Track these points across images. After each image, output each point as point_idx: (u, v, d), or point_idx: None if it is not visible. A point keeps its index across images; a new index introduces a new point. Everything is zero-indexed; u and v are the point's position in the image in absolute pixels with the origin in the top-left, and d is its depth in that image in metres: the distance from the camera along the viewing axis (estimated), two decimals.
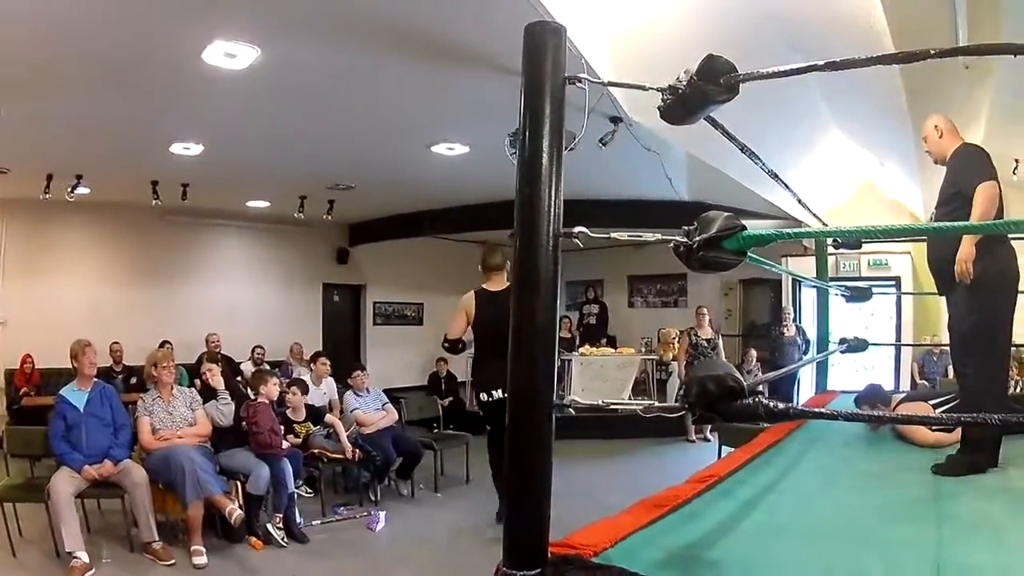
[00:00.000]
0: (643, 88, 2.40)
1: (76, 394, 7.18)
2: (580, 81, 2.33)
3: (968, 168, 4.37)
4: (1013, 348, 4.81)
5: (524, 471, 2.24)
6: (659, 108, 2.38)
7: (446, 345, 7.95)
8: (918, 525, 3.10)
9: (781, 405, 2.05)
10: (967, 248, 4.12)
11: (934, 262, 4.60)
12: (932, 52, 2.14)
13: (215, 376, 8.02)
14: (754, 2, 6.73)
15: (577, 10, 5.89)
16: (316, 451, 8.59)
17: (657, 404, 2.23)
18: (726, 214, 2.12)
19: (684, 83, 2.28)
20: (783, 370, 8.81)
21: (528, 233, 2.21)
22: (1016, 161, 11.99)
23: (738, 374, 2.08)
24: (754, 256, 2.66)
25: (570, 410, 2.25)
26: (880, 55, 2.31)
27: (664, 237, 2.20)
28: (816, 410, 2.17)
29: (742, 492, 3.61)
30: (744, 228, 2.11)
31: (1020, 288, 4.42)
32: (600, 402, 2.24)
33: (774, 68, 2.34)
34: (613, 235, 2.24)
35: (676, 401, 2.10)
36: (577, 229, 2.21)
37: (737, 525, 3.06)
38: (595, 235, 2.22)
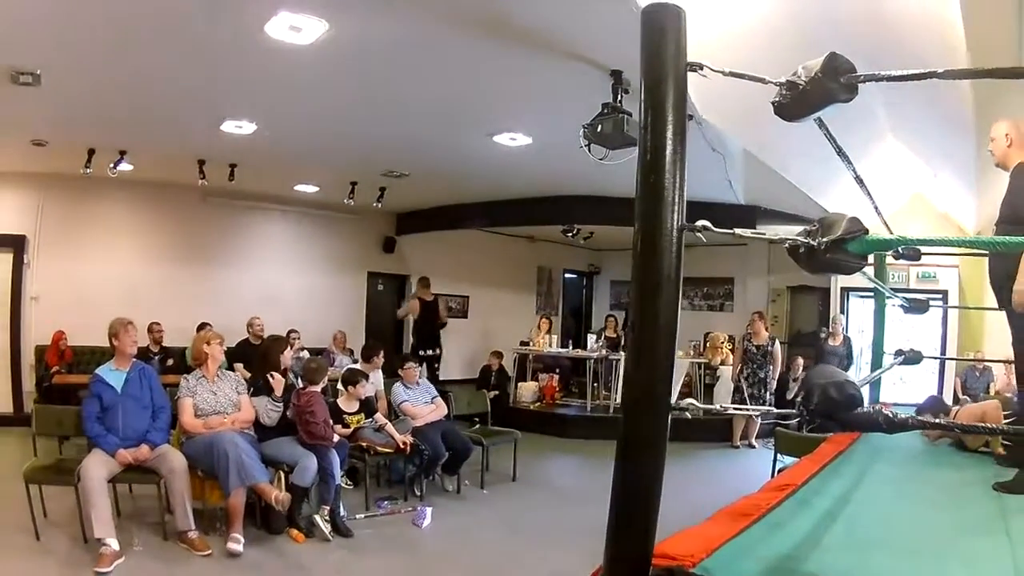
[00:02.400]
0: (762, 81, 2.32)
1: (114, 374, 7.08)
2: (702, 68, 2.25)
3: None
4: None
5: (635, 475, 2.16)
6: (774, 103, 2.30)
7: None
8: (993, 539, 3.11)
9: (902, 415, 2.00)
10: (1021, 287, 4.05)
11: (996, 277, 4.54)
12: None
13: (278, 383, 7.88)
14: (824, 10, 6.65)
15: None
16: (364, 443, 8.47)
17: (775, 410, 2.17)
18: (849, 216, 2.05)
19: (804, 79, 2.20)
20: (866, 378, 8.68)
21: (651, 227, 2.11)
22: None
23: (856, 382, 2.02)
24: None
25: (687, 413, 2.19)
26: (986, 69, 2.26)
27: (785, 237, 2.12)
28: (933, 420, 2.10)
29: (820, 503, 3.57)
30: (867, 231, 2.04)
31: None
32: (720, 406, 2.18)
33: (893, 72, 2.27)
34: (737, 233, 2.17)
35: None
36: (700, 223, 2.14)
37: (823, 537, 3.01)
38: (720, 232, 2.15)
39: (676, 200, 2.12)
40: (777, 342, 13.20)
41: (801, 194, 10.82)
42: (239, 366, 10.92)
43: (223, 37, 6.81)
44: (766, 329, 13.19)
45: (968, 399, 12.45)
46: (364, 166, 12.65)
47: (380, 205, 14.96)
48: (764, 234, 2.19)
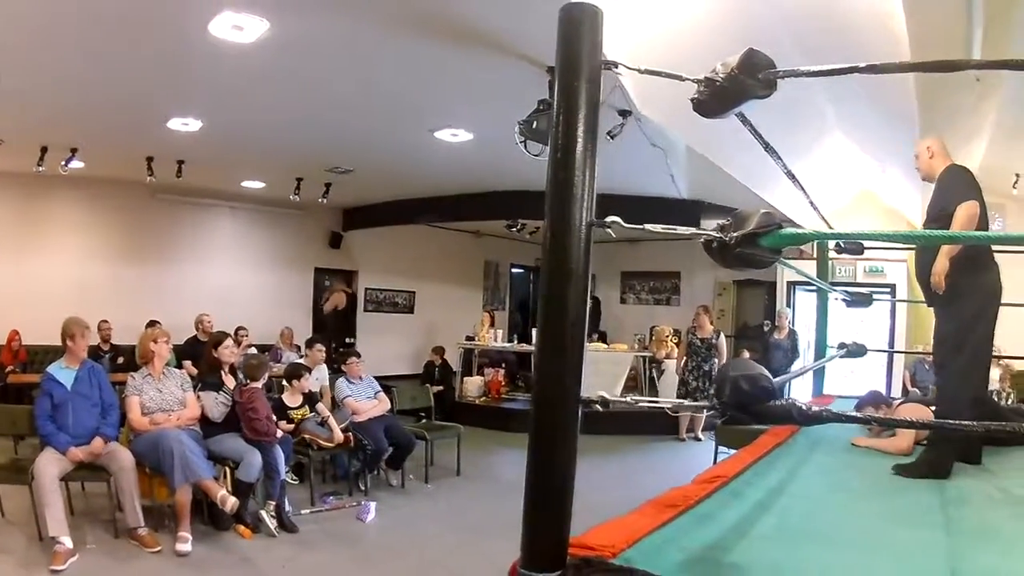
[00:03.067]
0: (680, 78, 2.34)
1: (64, 372, 7.04)
2: (616, 66, 2.27)
3: (953, 188, 4.56)
4: (1007, 360, 4.93)
5: (547, 468, 2.17)
6: (693, 100, 2.32)
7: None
8: (927, 531, 3.12)
9: (815, 408, 2.02)
10: (942, 262, 4.39)
11: (921, 274, 4.74)
12: (971, 63, 2.10)
13: (228, 379, 7.95)
14: (767, 4, 6.70)
15: None
16: (307, 436, 8.50)
17: (687, 403, 2.18)
18: (763, 211, 2.07)
19: (722, 75, 2.22)
20: (794, 372, 8.76)
21: (560, 222, 2.14)
22: (1016, 176, 12.06)
23: (769, 375, 2.03)
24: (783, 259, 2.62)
25: (597, 406, 2.20)
26: (919, 62, 2.28)
27: (698, 232, 2.14)
28: (848, 414, 2.13)
29: (751, 494, 3.59)
30: (781, 226, 2.06)
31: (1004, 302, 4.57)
32: (629, 399, 2.18)
33: (814, 67, 2.29)
34: (648, 228, 2.19)
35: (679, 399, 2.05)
36: (610, 219, 2.15)
37: (751, 528, 3.03)
38: (629, 227, 2.16)
39: (585, 196, 2.14)
40: (722, 335, 13.24)
41: (746, 189, 10.88)
42: (188, 363, 10.89)
43: (168, 36, 6.85)
44: (711, 323, 13.23)
45: (917, 391, 12.60)
46: (309, 162, 12.70)
47: (325, 201, 15.00)
48: (676, 229, 2.20)
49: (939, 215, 4.53)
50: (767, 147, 3.43)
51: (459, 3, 6.23)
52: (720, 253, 2.08)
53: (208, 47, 6.96)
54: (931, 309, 4.84)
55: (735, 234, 2.04)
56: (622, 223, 2.14)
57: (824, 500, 3.77)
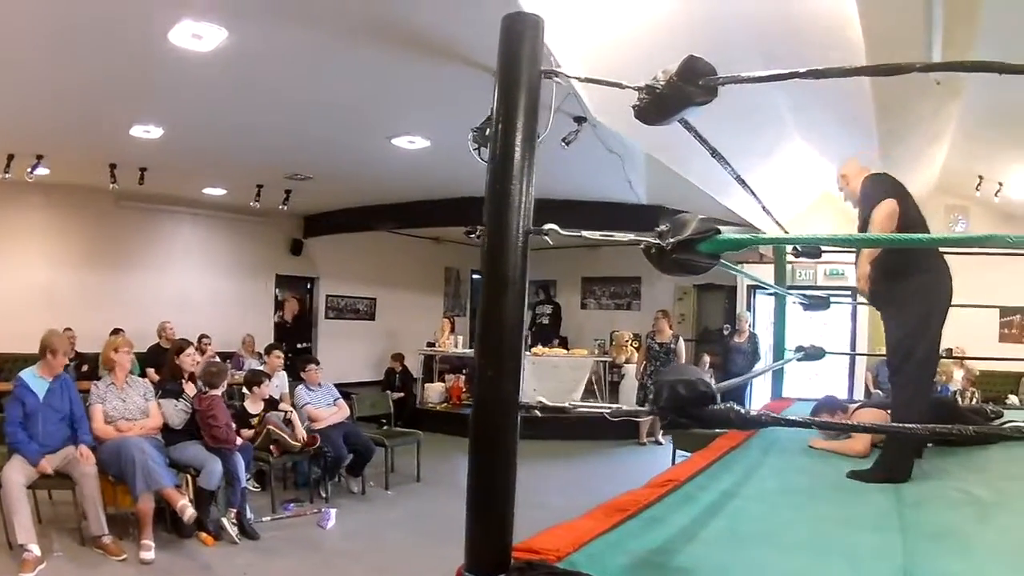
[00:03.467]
0: (620, 86, 2.36)
1: (38, 381, 7.04)
2: (557, 76, 2.28)
3: (870, 195, 4.60)
4: (965, 361, 4.98)
5: (488, 472, 2.18)
6: (634, 107, 2.33)
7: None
8: (883, 534, 3.09)
9: (753, 412, 2.03)
10: (863, 267, 4.48)
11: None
12: (918, 66, 2.12)
13: (189, 386, 7.97)
14: (728, 10, 6.73)
15: (549, 7, 5.88)
16: (271, 427, 8.49)
17: (626, 407, 2.19)
18: (700, 216, 2.09)
19: (662, 83, 2.24)
20: (745, 376, 8.82)
21: (498, 229, 2.14)
22: (980, 178, 12.18)
23: (708, 379, 2.04)
24: (724, 262, 2.63)
25: (536, 411, 2.21)
26: (861, 67, 2.30)
27: (636, 238, 2.16)
28: (788, 417, 2.14)
29: (704, 497, 3.58)
30: (719, 231, 2.08)
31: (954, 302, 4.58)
32: (567, 404, 2.19)
33: (755, 73, 2.31)
34: (585, 235, 2.19)
35: (639, 404, 2.07)
36: (547, 226, 2.15)
37: (701, 531, 3.02)
38: (567, 234, 2.17)
39: (523, 204, 2.14)
40: (681, 340, 13.26)
41: (705, 194, 10.93)
42: (151, 371, 10.86)
43: (129, 44, 6.91)
44: (670, 327, 13.23)
45: (880, 393, 12.68)
46: (269, 169, 12.71)
47: (286, 208, 15.03)
48: (613, 235, 2.21)
49: (864, 226, 4.61)
50: (714, 153, 3.46)
51: (414, 12, 6.29)
52: (658, 259, 2.11)
53: (168, 55, 7.00)
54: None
55: (672, 240, 2.06)
56: (559, 230, 2.15)
57: (777, 503, 3.73)
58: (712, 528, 3.09)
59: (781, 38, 7.04)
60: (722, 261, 2.44)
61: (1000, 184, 12.77)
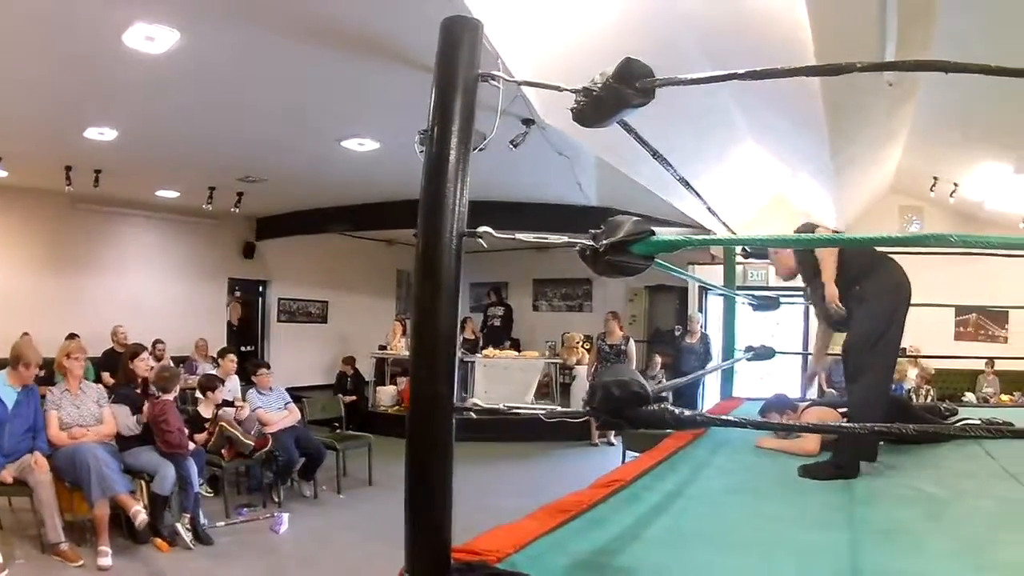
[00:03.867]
0: (557, 89, 2.37)
1: (7, 390, 7.09)
2: (494, 79, 2.29)
3: (804, 252, 4.92)
4: (920, 360, 5.06)
5: (424, 475, 2.19)
6: (572, 110, 2.34)
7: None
8: (831, 532, 3.09)
9: (688, 412, 2.04)
10: (830, 289, 4.65)
11: (820, 312, 5.12)
12: (858, 66, 2.14)
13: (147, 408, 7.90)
14: (678, 12, 6.77)
15: (498, 10, 5.89)
16: (223, 424, 8.52)
17: (560, 409, 2.20)
18: (635, 218, 2.10)
19: (599, 85, 2.25)
20: (689, 376, 8.87)
21: (431, 232, 2.15)
22: (935, 179, 12.30)
23: (643, 379, 2.05)
24: (661, 262, 2.65)
25: (471, 413, 2.22)
26: (802, 67, 2.31)
27: (571, 240, 2.17)
28: (724, 418, 2.16)
29: (648, 498, 3.57)
30: (653, 233, 2.09)
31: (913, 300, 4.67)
32: (502, 406, 2.20)
33: (692, 75, 2.33)
34: (519, 237, 2.19)
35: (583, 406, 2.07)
36: (481, 229, 2.15)
37: (644, 531, 3.02)
38: (500, 236, 2.17)
39: (457, 207, 2.15)
40: (631, 341, 13.29)
41: (655, 196, 10.98)
42: (106, 375, 10.80)
43: (84, 46, 6.87)
44: (620, 328, 13.28)
45: (835, 391, 12.78)
46: (221, 171, 12.66)
47: (238, 210, 14.94)
48: (547, 237, 2.22)
49: (811, 277, 4.95)
50: (655, 154, 3.46)
51: (363, 15, 6.30)
52: (593, 260, 2.11)
53: (122, 57, 6.96)
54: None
55: (606, 241, 2.07)
56: (493, 232, 2.15)
57: (723, 502, 3.74)
58: (655, 528, 3.09)
59: (730, 41, 7.09)
60: (660, 262, 2.46)
61: (956, 185, 12.89)
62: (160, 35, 6.53)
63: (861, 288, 4.51)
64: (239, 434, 8.52)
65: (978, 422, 5.79)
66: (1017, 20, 6.25)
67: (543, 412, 2.18)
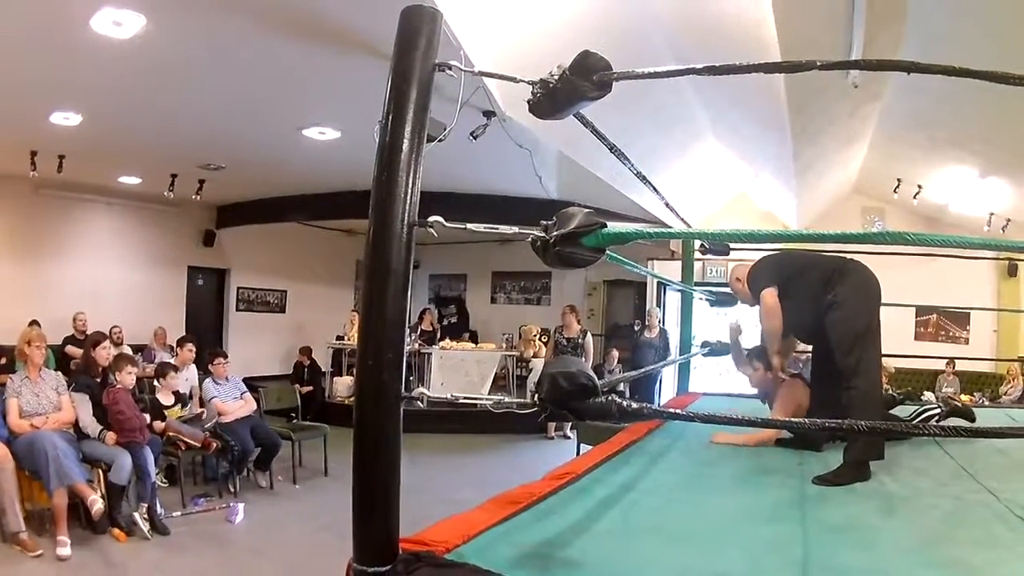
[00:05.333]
0: (514, 80, 2.37)
1: None
2: (450, 68, 2.29)
3: (754, 289, 5.04)
4: (885, 359, 5.12)
5: (371, 464, 2.19)
6: (528, 101, 2.35)
7: None
8: (783, 526, 3.10)
9: (635, 404, 2.05)
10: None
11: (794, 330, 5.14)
12: (818, 63, 2.15)
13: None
14: (648, 11, 6.79)
15: (466, 1, 5.91)
16: (172, 434, 8.47)
17: (507, 399, 2.20)
18: (586, 210, 2.11)
19: (556, 77, 2.26)
20: (641, 370, 8.92)
21: (382, 221, 2.14)
22: (898, 180, 12.41)
23: (591, 371, 2.06)
24: (614, 255, 2.65)
25: (419, 403, 2.22)
26: (761, 63, 2.32)
27: (521, 231, 2.18)
28: (671, 410, 2.16)
29: (599, 491, 3.57)
30: (604, 225, 2.10)
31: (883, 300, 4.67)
32: (450, 395, 2.20)
33: (649, 69, 2.33)
34: (470, 227, 2.20)
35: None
36: (432, 219, 2.16)
37: (594, 524, 3.02)
38: (451, 226, 2.16)
39: (409, 196, 2.15)
40: (589, 335, 13.29)
41: (615, 190, 11.04)
42: (72, 348, 11.01)
43: (52, 30, 6.88)
44: (578, 322, 13.27)
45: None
46: (183, 158, 12.63)
47: (199, 197, 14.92)
48: (498, 228, 2.22)
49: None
50: (612, 148, 3.47)
51: (327, 4, 6.35)
52: (543, 251, 2.12)
53: (89, 42, 6.98)
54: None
55: (556, 233, 2.08)
56: (443, 222, 2.15)
57: (674, 496, 3.71)
58: (605, 521, 3.09)
59: (697, 38, 7.12)
60: (613, 255, 2.46)
61: (920, 187, 13.03)
62: (127, 20, 6.58)
63: (834, 294, 4.50)
64: (185, 437, 8.49)
65: (937, 407, 5.87)
66: (988, 27, 6.32)
67: (491, 403, 2.18)
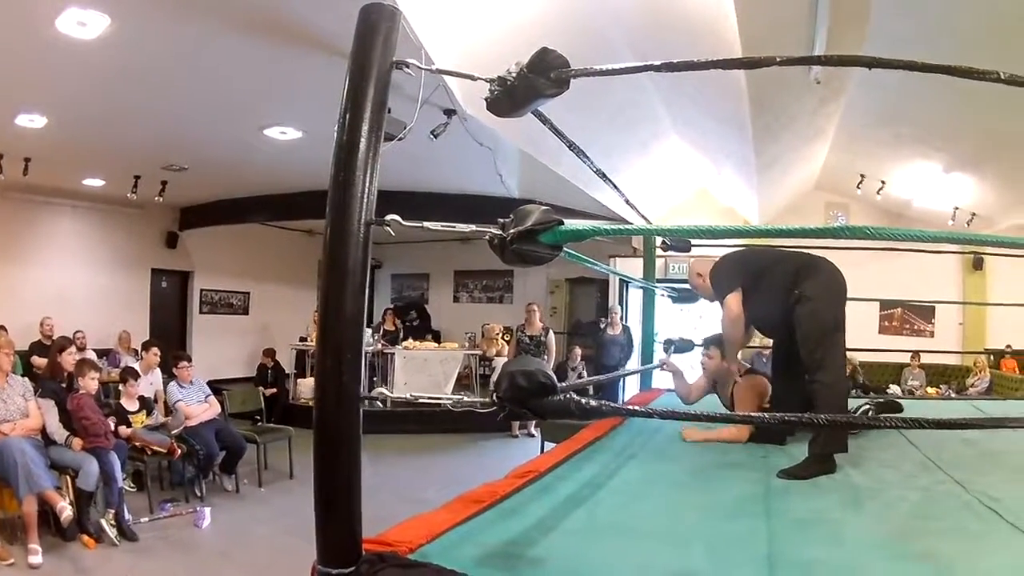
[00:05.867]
0: (471, 77, 2.37)
1: None
2: (408, 66, 2.29)
3: (717, 291, 5.07)
4: (849, 352, 5.16)
5: (332, 466, 2.18)
6: (486, 99, 2.35)
7: None
8: (748, 521, 3.09)
9: (594, 402, 2.04)
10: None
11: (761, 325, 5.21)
12: (777, 59, 2.15)
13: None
14: (604, 6, 6.81)
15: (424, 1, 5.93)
16: (139, 443, 8.43)
17: (467, 399, 2.20)
18: (543, 208, 2.11)
19: (513, 75, 2.26)
20: (609, 375, 8.92)
21: (339, 220, 2.14)
22: (861, 176, 12.50)
23: (549, 370, 2.06)
24: (572, 252, 2.66)
25: (379, 403, 2.22)
26: (718, 60, 2.33)
27: (478, 229, 2.17)
28: (631, 407, 2.17)
29: (563, 488, 3.57)
30: (561, 223, 2.10)
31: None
32: (410, 395, 2.20)
33: (608, 66, 2.34)
34: (427, 226, 2.19)
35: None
36: (389, 217, 2.15)
37: (558, 522, 3.01)
38: (408, 225, 2.15)
39: (366, 195, 2.15)
40: (551, 333, 13.28)
41: (576, 188, 11.05)
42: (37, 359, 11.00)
43: (16, 31, 6.85)
44: (540, 320, 13.27)
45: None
46: (146, 159, 12.57)
47: (161, 199, 14.85)
48: (455, 226, 2.22)
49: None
50: (571, 146, 3.48)
51: (288, 3, 6.36)
52: (500, 249, 2.12)
53: (54, 43, 6.98)
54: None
55: (513, 230, 2.08)
56: (400, 220, 2.14)
57: (639, 492, 3.71)
58: (569, 519, 3.09)
59: (657, 35, 7.14)
60: (571, 252, 2.46)
61: (883, 182, 13.13)
62: (92, 20, 6.58)
63: (802, 289, 4.51)
64: (153, 445, 8.46)
65: (867, 402, 5.93)
66: (952, 25, 6.36)
67: (451, 402, 2.18)
